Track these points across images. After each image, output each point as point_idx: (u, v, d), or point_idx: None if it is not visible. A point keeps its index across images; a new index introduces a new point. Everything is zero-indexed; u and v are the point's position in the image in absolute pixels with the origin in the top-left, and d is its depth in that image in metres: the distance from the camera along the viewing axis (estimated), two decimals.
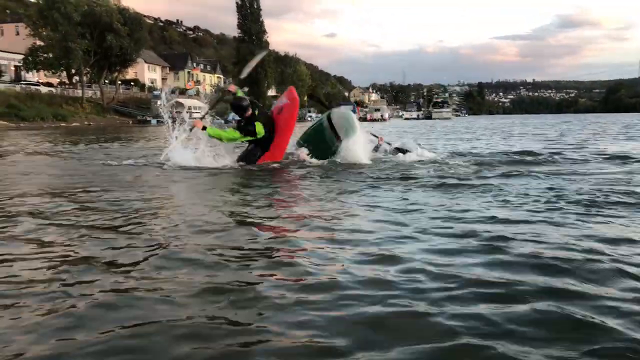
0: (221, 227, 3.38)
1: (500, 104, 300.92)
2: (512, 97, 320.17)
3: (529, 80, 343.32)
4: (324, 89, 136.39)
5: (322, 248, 2.87)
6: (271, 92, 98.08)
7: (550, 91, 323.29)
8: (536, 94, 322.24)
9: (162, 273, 2.47)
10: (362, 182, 5.55)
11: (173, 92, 54.82)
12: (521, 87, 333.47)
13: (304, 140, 8.28)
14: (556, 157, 8.38)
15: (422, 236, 3.13)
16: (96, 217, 3.77)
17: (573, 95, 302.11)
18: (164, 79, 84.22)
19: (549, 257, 2.62)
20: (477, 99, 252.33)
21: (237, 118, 11.60)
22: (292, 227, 3.40)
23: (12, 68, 56.17)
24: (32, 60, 47.75)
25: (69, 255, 2.78)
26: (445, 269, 2.49)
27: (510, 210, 3.91)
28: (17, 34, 62.81)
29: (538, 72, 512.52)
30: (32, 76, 55.88)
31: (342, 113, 8.12)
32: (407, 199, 4.47)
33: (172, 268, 2.53)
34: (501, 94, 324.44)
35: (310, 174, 6.39)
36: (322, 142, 7.89)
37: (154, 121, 50.30)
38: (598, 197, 4.38)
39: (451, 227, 3.33)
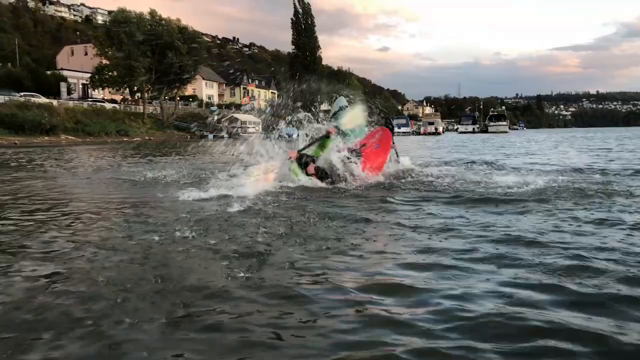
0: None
1: (560, 117, 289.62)
2: (573, 109, 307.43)
3: (593, 92, 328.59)
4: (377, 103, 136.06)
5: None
6: (324, 107, 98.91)
7: (616, 103, 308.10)
8: (600, 106, 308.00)
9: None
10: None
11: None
12: (584, 99, 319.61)
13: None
14: None
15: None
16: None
17: None
18: (220, 95, 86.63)
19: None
20: (535, 112, 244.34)
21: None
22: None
23: (80, 86, 59.53)
24: (98, 78, 50.38)
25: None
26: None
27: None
28: (86, 54, 66.69)
29: (602, 83, 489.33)
30: (97, 93, 58.99)
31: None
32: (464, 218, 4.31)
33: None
34: (562, 106, 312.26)
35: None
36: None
37: (210, 136, 51.75)
38: None
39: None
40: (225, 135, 55.87)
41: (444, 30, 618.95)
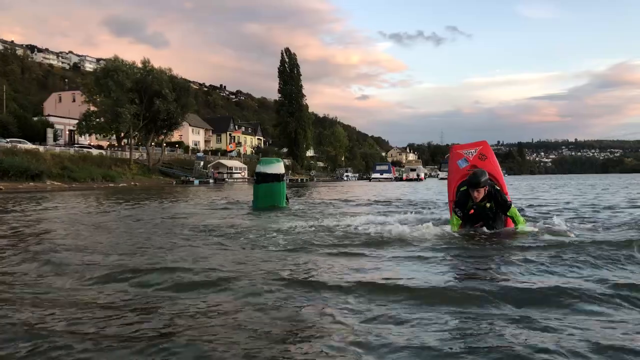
0: None
1: (541, 164, 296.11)
2: (554, 156, 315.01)
3: (571, 139, 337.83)
4: (361, 149, 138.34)
5: None
6: (310, 153, 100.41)
7: (593, 150, 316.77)
8: (579, 153, 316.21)
9: None
10: None
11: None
12: (563, 147, 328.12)
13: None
14: None
15: None
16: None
17: (618, 154, 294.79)
18: (207, 141, 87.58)
19: None
20: (517, 159, 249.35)
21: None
22: None
23: (67, 132, 59.96)
24: (85, 124, 50.85)
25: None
26: None
27: None
28: (74, 100, 67.49)
29: (580, 131, 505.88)
30: (84, 139, 59.39)
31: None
32: None
33: None
34: (542, 153, 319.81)
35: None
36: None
37: (196, 181, 52.14)
38: None
39: None
40: (211, 181, 56.49)
41: (425, 80, 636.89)
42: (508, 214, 5.83)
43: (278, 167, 11.55)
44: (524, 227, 5.86)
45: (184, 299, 3.22)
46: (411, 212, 9.15)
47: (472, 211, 5.81)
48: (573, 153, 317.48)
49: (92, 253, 5.11)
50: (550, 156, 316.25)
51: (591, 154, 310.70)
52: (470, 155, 6.70)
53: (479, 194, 5.67)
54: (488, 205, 5.73)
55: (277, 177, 11.49)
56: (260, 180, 11.61)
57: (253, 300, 3.16)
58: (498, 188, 5.87)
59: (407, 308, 2.95)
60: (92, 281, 3.81)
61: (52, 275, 4.08)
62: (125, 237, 6.47)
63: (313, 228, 6.77)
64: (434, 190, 25.05)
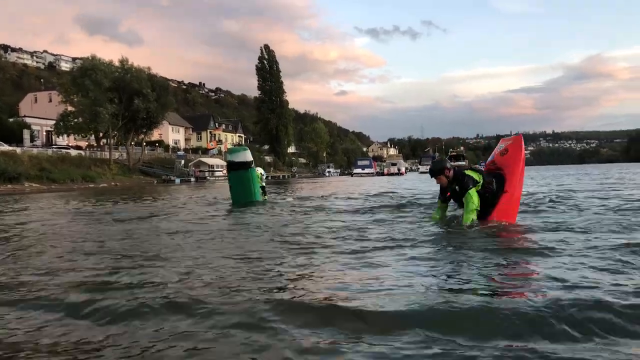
0: None
1: None
2: (532, 148, 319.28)
3: (549, 131, 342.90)
4: (343, 145, 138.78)
5: None
6: (291, 149, 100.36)
7: (570, 142, 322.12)
8: (556, 145, 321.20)
9: None
10: None
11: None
12: (541, 139, 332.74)
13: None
14: None
15: None
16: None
17: (594, 145, 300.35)
18: (187, 140, 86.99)
19: None
20: None
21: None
22: None
23: (44, 133, 59.06)
24: (63, 125, 50.17)
25: None
26: None
27: None
28: (50, 101, 66.42)
29: (557, 123, 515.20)
30: (62, 140, 58.55)
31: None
32: None
33: None
34: None
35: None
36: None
37: (177, 180, 51.92)
38: None
39: None
40: (193, 179, 56.28)
41: (403, 75, 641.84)
42: (465, 196, 6.05)
43: (244, 155, 12.10)
44: (464, 222, 5.89)
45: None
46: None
47: (448, 193, 6.54)
48: (551, 145, 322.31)
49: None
50: (529, 148, 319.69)
51: (568, 145, 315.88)
52: (498, 150, 6.83)
53: (439, 180, 6.43)
54: (457, 188, 6.29)
55: (244, 165, 12.01)
56: (230, 169, 12.41)
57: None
58: (471, 174, 6.26)
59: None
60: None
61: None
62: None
63: (288, 227, 6.95)
64: (410, 183, 25.54)
